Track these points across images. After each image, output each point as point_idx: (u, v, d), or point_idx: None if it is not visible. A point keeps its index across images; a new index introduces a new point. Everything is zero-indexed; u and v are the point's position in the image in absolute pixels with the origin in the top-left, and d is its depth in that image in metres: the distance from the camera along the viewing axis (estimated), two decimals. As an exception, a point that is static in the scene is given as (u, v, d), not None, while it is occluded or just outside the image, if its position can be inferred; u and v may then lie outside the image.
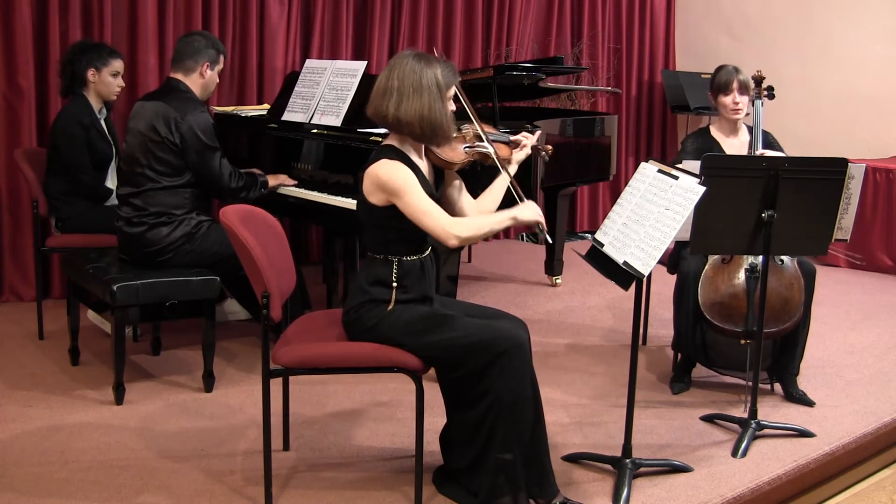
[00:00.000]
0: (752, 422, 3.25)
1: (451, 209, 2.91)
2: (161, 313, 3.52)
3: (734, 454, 3.14)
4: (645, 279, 2.72)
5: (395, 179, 2.61)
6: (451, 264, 3.93)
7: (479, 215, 2.84)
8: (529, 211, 2.79)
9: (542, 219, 2.81)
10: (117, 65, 4.24)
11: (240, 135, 4.54)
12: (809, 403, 3.60)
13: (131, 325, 4.07)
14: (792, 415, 3.49)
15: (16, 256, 4.78)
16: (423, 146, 2.80)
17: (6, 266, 4.77)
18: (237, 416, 3.37)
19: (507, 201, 2.93)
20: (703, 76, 6.86)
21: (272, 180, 3.98)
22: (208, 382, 3.59)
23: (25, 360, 3.90)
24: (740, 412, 3.44)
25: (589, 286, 5.36)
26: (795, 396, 3.64)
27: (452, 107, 2.75)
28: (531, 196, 4.17)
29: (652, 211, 2.76)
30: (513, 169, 2.99)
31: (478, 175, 2.88)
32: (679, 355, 3.81)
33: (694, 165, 3.08)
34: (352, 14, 5.81)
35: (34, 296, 4.49)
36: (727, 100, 3.76)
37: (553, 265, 5.40)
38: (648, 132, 7.49)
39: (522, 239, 6.89)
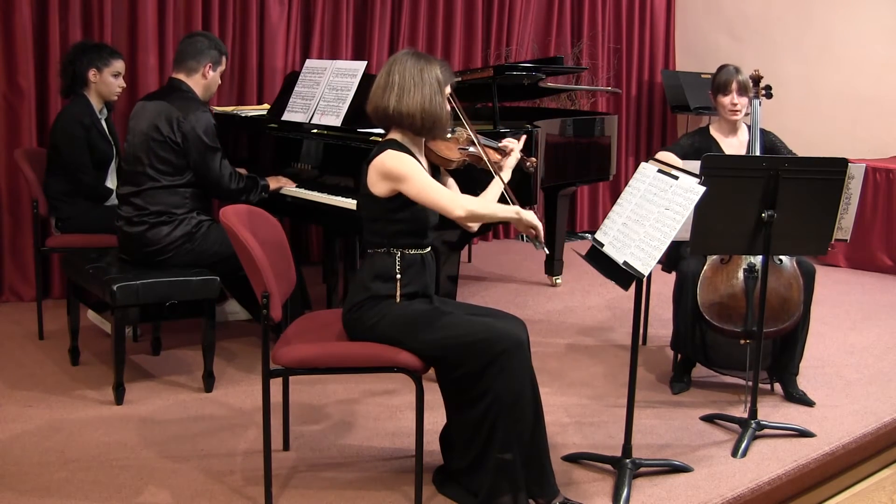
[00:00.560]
0: (752, 422, 3.25)
1: None
2: (161, 313, 3.52)
3: (734, 454, 3.14)
4: (645, 279, 2.72)
5: (399, 166, 2.65)
6: (451, 264, 3.92)
7: (480, 200, 2.86)
8: (531, 215, 2.82)
9: (540, 227, 2.81)
10: (118, 65, 4.24)
11: (240, 135, 4.54)
12: (809, 403, 3.60)
13: (131, 325, 4.07)
14: (792, 415, 3.49)
15: (16, 256, 4.78)
16: (422, 145, 2.82)
17: (6, 266, 4.77)
18: (237, 416, 3.37)
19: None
20: (703, 76, 6.87)
21: (273, 183, 3.98)
22: (208, 382, 3.59)
23: (25, 360, 3.90)
24: (740, 412, 3.44)
25: (589, 286, 5.36)
26: (795, 396, 3.64)
27: (448, 106, 2.79)
28: (532, 196, 4.17)
29: (652, 211, 2.76)
30: (506, 175, 3.00)
31: (473, 177, 2.89)
32: (679, 355, 3.81)
33: (694, 165, 3.08)
34: (352, 14, 5.81)
35: (34, 296, 4.49)
36: (725, 100, 3.77)
37: (553, 265, 5.40)
38: (648, 132, 7.49)
39: (522, 239, 6.89)
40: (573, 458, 3.06)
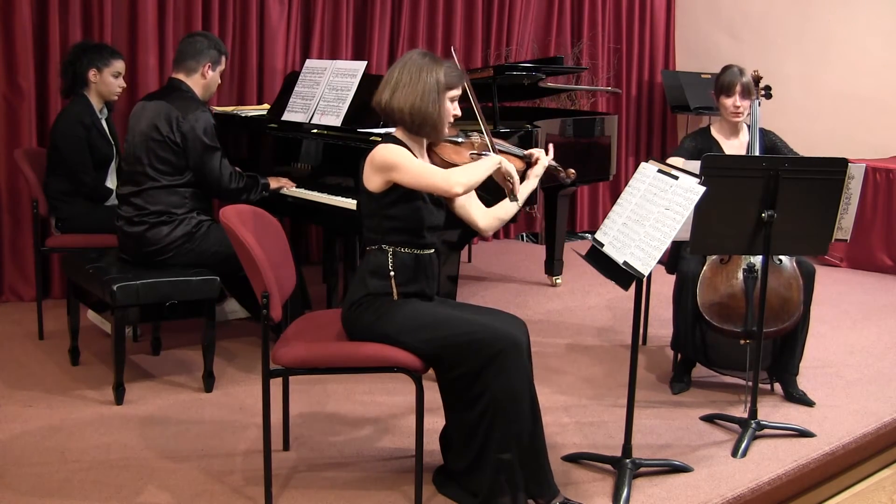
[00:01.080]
0: (752, 422, 3.25)
1: (459, 211, 2.92)
2: (161, 313, 3.52)
3: (734, 454, 3.14)
4: (645, 279, 2.72)
5: (388, 155, 2.65)
6: (451, 264, 3.93)
7: (464, 167, 2.78)
8: (510, 165, 2.82)
9: (517, 180, 2.82)
10: (119, 65, 4.25)
11: (240, 135, 4.54)
12: (809, 403, 3.60)
13: (131, 325, 4.07)
14: (792, 415, 3.49)
15: (16, 256, 4.78)
16: (423, 144, 2.82)
17: (6, 266, 4.77)
18: (237, 416, 3.37)
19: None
20: (703, 76, 6.87)
21: (273, 182, 3.98)
22: (208, 382, 3.59)
23: (25, 360, 3.90)
24: (740, 412, 3.44)
25: (589, 286, 5.36)
26: (795, 396, 3.64)
27: (456, 110, 2.77)
28: (532, 196, 4.16)
29: (652, 211, 2.76)
30: (531, 184, 2.96)
31: (485, 185, 2.84)
32: (679, 355, 3.81)
33: (694, 165, 3.08)
34: (352, 14, 5.81)
35: (34, 296, 4.49)
36: (728, 102, 3.76)
37: (553, 265, 5.40)
38: (648, 132, 7.49)
39: (522, 239, 6.89)
40: (573, 458, 3.06)
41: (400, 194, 2.69)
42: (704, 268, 3.54)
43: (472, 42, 6.40)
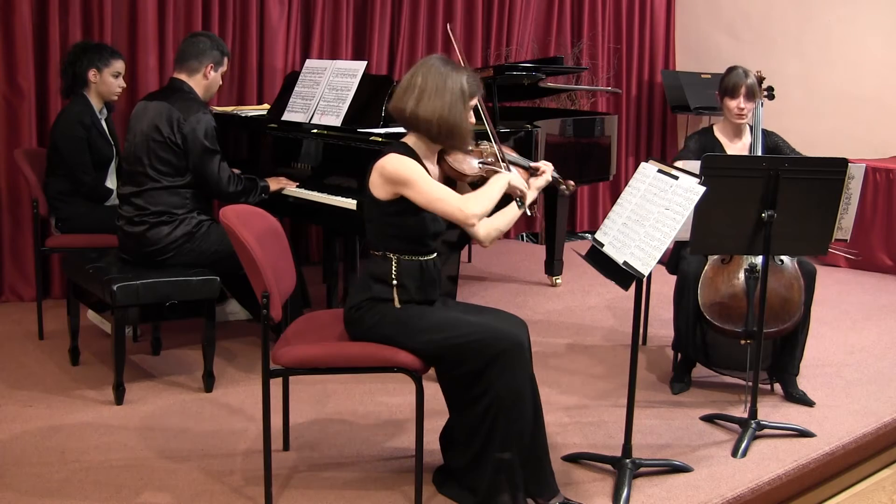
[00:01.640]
0: (752, 422, 3.25)
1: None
2: (161, 313, 3.52)
3: (734, 454, 3.14)
4: (645, 279, 2.72)
5: (402, 170, 2.61)
6: (451, 264, 3.93)
7: (479, 193, 2.74)
8: (518, 179, 2.82)
9: (527, 190, 2.84)
10: (118, 65, 4.25)
11: (240, 135, 4.54)
12: (809, 403, 3.60)
13: (131, 325, 4.07)
14: (792, 415, 3.49)
15: (16, 256, 4.78)
16: (436, 152, 2.78)
17: (6, 266, 4.77)
18: (237, 416, 3.37)
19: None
20: (703, 76, 6.87)
21: (273, 184, 3.97)
22: (208, 382, 3.59)
23: (25, 360, 3.90)
24: (740, 412, 3.44)
25: (589, 286, 5.36)
26: (795, 396, 3.64)
27: (472, 118, 2.74)
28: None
29: (652, 211, 2.76)
30: (532, 195, 2.93)
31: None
32: (679, 355, 3.81)
33: (694, 165, 3.08)
34: (352, 14, 5.81)
35: (34, 296, 4.49)
36: (732, 104, 3.75)
37: (553, 265, 5.40)
38: (648, 132, 7.49)
39: (522, 239, 6.89)
40: (573, 458, 3.06)
41: (406, 205, 2.65)
42: (706, 268, 3.54)
43: (472, 42, 6.39)
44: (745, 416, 3.30)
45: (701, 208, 2.85)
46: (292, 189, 4.02)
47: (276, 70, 5.45)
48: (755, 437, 3.23)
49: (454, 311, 2.78)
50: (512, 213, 2.85)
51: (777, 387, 3.73)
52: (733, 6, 7.19)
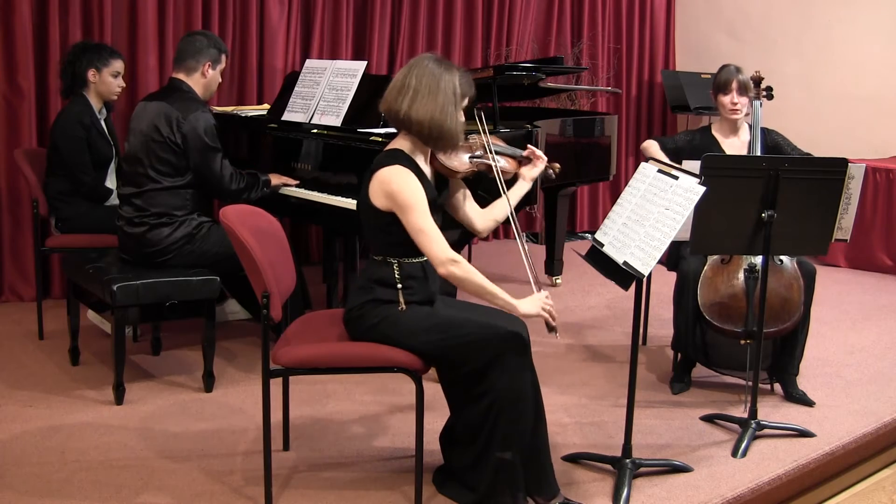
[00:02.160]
0: (752, 422, 3.25)
1: (456, 214, 2.92)
2: (161, 313, 3.52)
3: (734, 454, 3.14)
4: (645, 279, 2.72)
5: (404, 193, 2.60)
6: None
7: (481, 277, 2.71)
8: (529, 305, 2.69)
9: (544, 314, 2.69)
10: (118, 65, 4.25)
11: (240, 135, 4.54)
12: (809, 403, 3.60)
13: (131, 325, 4.07)
14: (792, 415, 3.49)
15: (16, 256, 4.78)
16: (428, 153, 2.78)
17: (6, 266, 4.77)
18: (237, 416, 3.37)
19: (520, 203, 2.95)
20: (703, 76, 6.87)
21: (275, 179, 3.97)
22: (208, 382, 3.59)
23: (25, 360, 3.90)
24: (740, 412, 3.44)
25: (589, 286, 5.36)
26: (795, 396, 3.64)
27: (462, 118, 2.74)
28: (532, 196, 4.17)
29: (652, 211, 2.76)
30: (525, 186, 2.95)
31: (485, 187, 2.83)
32: (679, 355, 3.81)
33: (694, 165, 3.08)
34: (352, 14, 5.81)
35: (34, 296, 4.49)
36: (725, 99, 3.78)
37: (553, 265, 5.40)
38: (648, 132, 7.49)
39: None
40: (573, 458, 3.06)
41: None
42: (705, 267, 3.54)
43: (472, 42, 6.40)
44: (745, 416, 3.30)
45: (701, 208, 2.85)
46: (292, 189, 4.01)
47: (276, 70, 5.45)
48: (755, 437, 3.23)
49: (455, 311, 2.77)
50: (502, 205, 2.92)
51: (777, 387, 3.73)
52: (733, 6, 7.19)
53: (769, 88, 3.78)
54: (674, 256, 3.87)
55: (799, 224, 3.11)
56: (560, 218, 5.27)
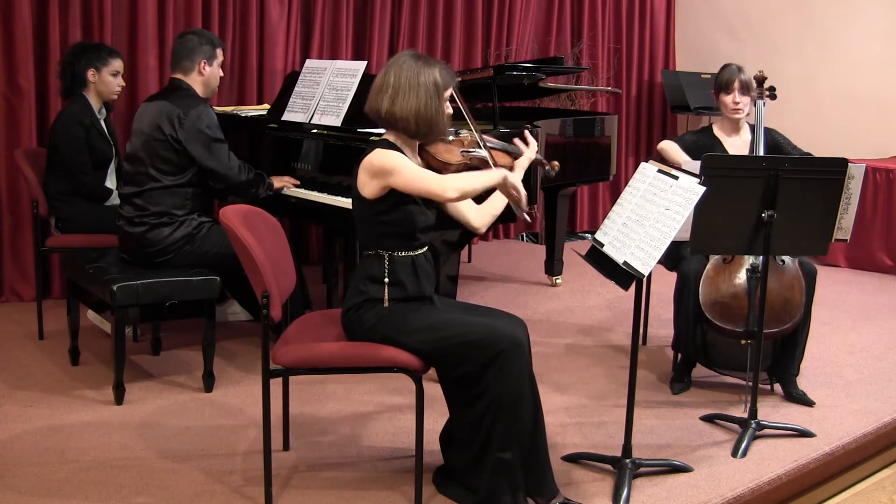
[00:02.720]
0: (752, 422, 3.25)
1: (452, 211, 2.92)
2: (161, 313, 3.52)
3: (734, 454, 3.14)
4: (645, 279, 2.72)
5: (386, 161, 2.62)
6: (451, 264, 3.92)
7: (473, 179, 2.72)
8: (517, 178, 2.81)
9: (524, 193, 2.81)
10: (117, 64, 4.24)
11: (240, 135, 4.54)
12: (809, 403, 3.60)
13: (131, 325, 4.07)
14: (792, 415, 3.49)
15: (16, 256, 4.78)
16: (416, 146, 2.80)
17: (6, 266, 4.77)
18: (237, 416, 3.37)
19: (506, 214, 2.95)
20: (703, 76, 6.87)
21: (277, 182, 3.97)
22: (208, 382, 3.59)
23: (25, 360, 3.90)
24: (740, 412, 3.44)
25: (589, 286, 5.36)
26: (795, 396, 3.64)
27: (449, 109, 2.76)
28: (532, 196, 4.17)
29: (652, 211, 2.76)
30: (518, 176, 2.95)
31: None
32: (679, 355, 3.81)
33: (694, 165, 3.08)
34: (352, 14, 5.81)
35: (34, 296, 4.49)
36: (728, 99, 3.78)
37: (553, 265, 5.40)
38: (648, 132, 7.49)
39: (522, 239, 6.89)
40: (573, 458, 3.06)
41: (393, 201, 2.67)
42: (707, 267, 3.53)
43: (472, 42, 6.40)
44: (745, 416, 3.30)
45: (701, 208, 2.85)
46: (293, 189, 4.01)
47: (276, 70, 5.45)
48: (755, 437, 3.23)
49: (453, 311, 2.78)
50: (497, 200, 2.91)
51: (777, 387, 3.73)
52: (733, 6, 7.19)
53: (772, 88, 3.78)
54: (674, 257, 3.87)
55: (799, 224, 3.11)
56: (560, 218, 5.27)
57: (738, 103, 3.76)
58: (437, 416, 2.94)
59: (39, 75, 4.70)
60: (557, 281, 5.41)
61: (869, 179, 5.71)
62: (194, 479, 2.87)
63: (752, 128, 3.91)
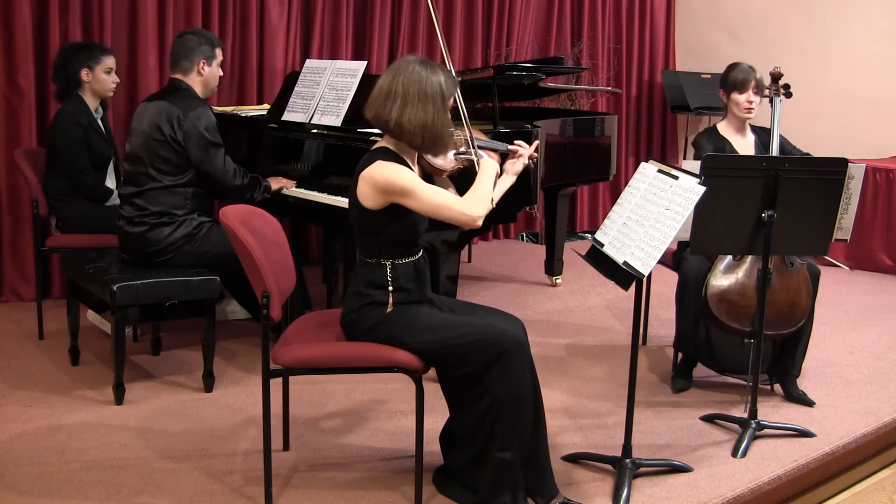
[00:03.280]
0: (752, 422, 3.25)
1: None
2: (161, 313, 3.52)
3: (734, 454, 3.14)
4: (645, 279, 2.72)
5: (398, 180, 2.58)
6: (450, 264, 3.92)
7: (477, 192, 2.72)
8: (493, 164, 2.84)
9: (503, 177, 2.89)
10: (109, 61, 4.24)
11: (240, 135, 4.54)
12: (809, 403, 3.60)
13: (131, 325, 4.07)
14: (792, 415, 3.49)
15: (16, 256, 4.78)
16: (416, 154, 2.77)
17: (6, 266, 4.77)
18: (237, 416, 3.37)
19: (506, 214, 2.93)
20: (703, 76, 6.87)
21: (274, 183, 3.97)
22: (208, 382, 3.59)
23: (25, 360, 3.90)
24: (740, 412, 3.44)
25: (589, 286, 5.36)
26: (795, 396, 3.64)
27: (448, 117, 2.72)
28: (532, 196, 4.17)
29: (652, 211, 2.76)
30: (510, 179, 2.92)
31: (470, 183, 2.82)
32: (680, 355, 3.81)
33: (694, 165, 3.08)
34: (352, 14, 5.81)
35: (34, 296, 4.49)
36: (741, 98, 3.75)
37: (553, 265, 5.40)
38: (648, 132, 7.49)
39: (522, 239, 6.89)
40: (573, 458, 3.06)
41: (397, 213, 2.64)
42: (717, 263, 3.49)
43: (472, 42, 6.40)
44: (745, 416, 3.30)
45: (701, 208, 2.85)
46: (292, 189, 4.01)
47: (276, 70, 5.45)
48: (755, 437, 3.23)
49: (454, 311, 2.78)
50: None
51: (777, 387, 3.72)
52: (733, 6, 7.19)
53: (787, 86, 3.77)
54: (676, 257, 3.87)
55: (799, 224, 3.11)
56: (560, 218, 5.27)
57: (751, 103, 3.76)
58: (437, 416, 2.94)
59: (39, 75, 4.70)
60: (557, 281, 5.41)
61: (869, 179, 5.71)
62: (194, 479, 2.87)
63: (754, 128, 3.92)
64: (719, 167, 3.03)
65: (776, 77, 3.76)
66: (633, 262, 2.70)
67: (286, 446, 3.10)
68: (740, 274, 3.49)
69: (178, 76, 3.78)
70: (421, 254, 2.79)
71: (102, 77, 4.22)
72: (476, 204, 2.67)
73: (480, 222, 2.66)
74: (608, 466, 2.97)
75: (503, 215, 3.87)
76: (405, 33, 6.04)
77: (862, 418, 3.47)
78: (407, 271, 2.71)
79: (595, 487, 2.88)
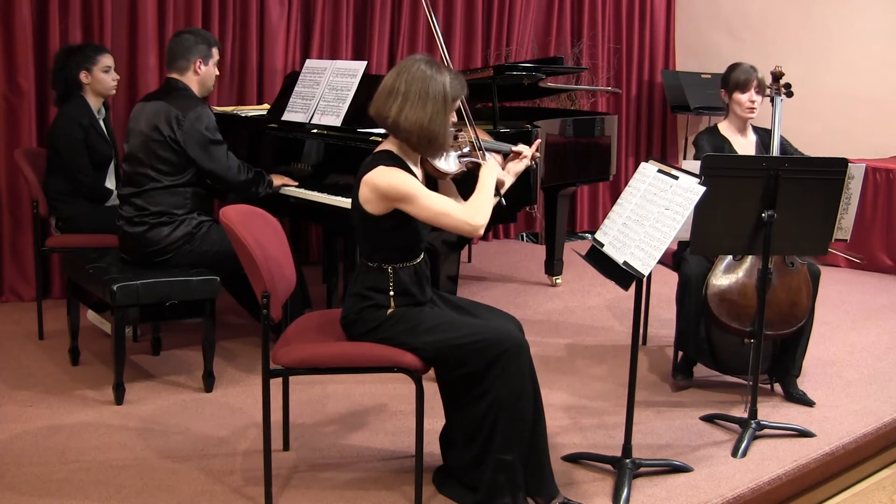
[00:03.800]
0: (752, 422, 3.25)
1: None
2: (161, 313, 3.52)
3: (734, 454, 3.14)
4: (645, 279, 2.72)
5: (400, 186, 2.57)
6: (450, 264, 3.92)
7: (477, 200, 2.71)
8: (493, 168, 2.81)
9: (503, 178, 2.87)
10: (106, 60, 4.23)
11: (240, 135, 4.54)
12: (809, 403, 3.60)
13: (131, 325, 4.06)
14: (792, 415, 3.49)
15: (16, 256, 4.78)
16: (418, 157, 2.76)
17: (6, 266, 4.77)
18: (237, 416, 3.37)
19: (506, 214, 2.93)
20: (703, 76, 6.87)
21: (276, 180, 3.97)
22: (208, 382, 3.59)
23: (25, 360, 3.90)
24: (740, 412, 3.44)
25: (589, 286, 5.36)
26: (795, 396, 3.64)
27: (454, 118, 2.71)
28: (532, 196, 4.17)
29: (652, 211, 2.76)
30: (508, 180, 2.92)
31: (473, 186, 2.82)
32: (680, 354, 3.80)
33: (694, 165, 3.08)
34: (352, 14, 5.81)
35: (34, 296, 4.49)
36: (744, 98, 3.75)
37: (553, 265, 5.40)
38: (648, 132, 7.49)
39: (522, 239, 6.89)
40: (573, 458, 3.06)
41: (401, 219, 2.63)
42: (717, 263, 3.49)
43: (472, 42, 6.39)
44: (745, 416, 3.30)
45: (701, 208, 2.85)
46: (292, 189, 4.01)
47: (276, 70, 5.45)
48: (755, 437, 3.23)
49: (454, 311, 2.78)
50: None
51: (777, 387, 3.72)
52: (733, 6, 7.19)
53: (788, 85, 3.77)
54: (677, 257, 3.87)
55: (799, 224, 3.11)
56: (560, 218, 5.27)
57: (753, 102, 3.76)
58: (437, 416, 2.94)
59: (39, 75, 4.70)
60: (557, 281, 5.41)
61: (869, 179, 5.71)
62: (194, 479, 2.87)
63: (756, 129, 3.92)
64: (719, 167, 3.03)
65: (777, 76, 3.76)
66: (633, 262, 2.70)
67: (286, 446, 3.10)
68: (741, 274, 3.49)
69: (174, 75, 3.78)
70: (422, 257, 2.79)
71: (101, 76, 4.22)
72: (478, 212, 2.66)
73: (482, 231, 2.65)
74: (608, 466, 2.97)
75: (503, 215, 3.87)
76: (405, 33, 6.04)
77: (862, 418, 3.47)
78: (408, 275, 2.71)
79: (595, 487, 2.88)
